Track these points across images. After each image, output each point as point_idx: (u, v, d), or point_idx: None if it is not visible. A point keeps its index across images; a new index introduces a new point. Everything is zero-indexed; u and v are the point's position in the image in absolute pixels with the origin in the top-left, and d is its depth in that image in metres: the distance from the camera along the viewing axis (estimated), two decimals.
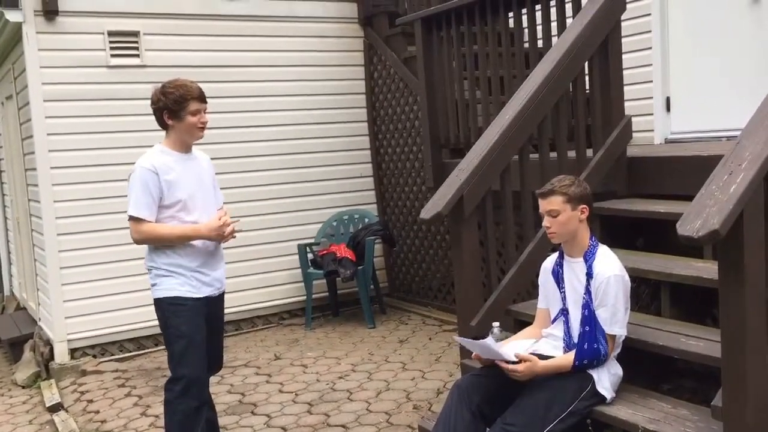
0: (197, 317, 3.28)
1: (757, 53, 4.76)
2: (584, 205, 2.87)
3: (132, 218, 3.23)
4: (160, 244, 3.27)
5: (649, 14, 5.26)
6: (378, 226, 6.40)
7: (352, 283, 6.19)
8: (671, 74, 5.34)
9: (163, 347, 5.85)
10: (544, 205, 2.88)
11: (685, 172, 3.65)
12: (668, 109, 5.37)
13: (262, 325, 6.37)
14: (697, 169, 3.62)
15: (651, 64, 5.33)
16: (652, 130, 5.33)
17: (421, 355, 5.12)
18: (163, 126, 3.32)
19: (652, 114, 5.31)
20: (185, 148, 3.35)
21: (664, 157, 3.82)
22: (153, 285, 3.32)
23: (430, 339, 5.53)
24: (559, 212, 2.83)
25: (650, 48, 5.32)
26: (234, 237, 3.37)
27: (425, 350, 5.22)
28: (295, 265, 6.35)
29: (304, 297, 6.28)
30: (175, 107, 3.23)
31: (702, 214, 2.18)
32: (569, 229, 2.86)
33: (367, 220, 6.58)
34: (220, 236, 3.32)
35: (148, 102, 3.33)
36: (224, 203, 3.52)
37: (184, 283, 3.27)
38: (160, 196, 3.22)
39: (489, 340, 2.86)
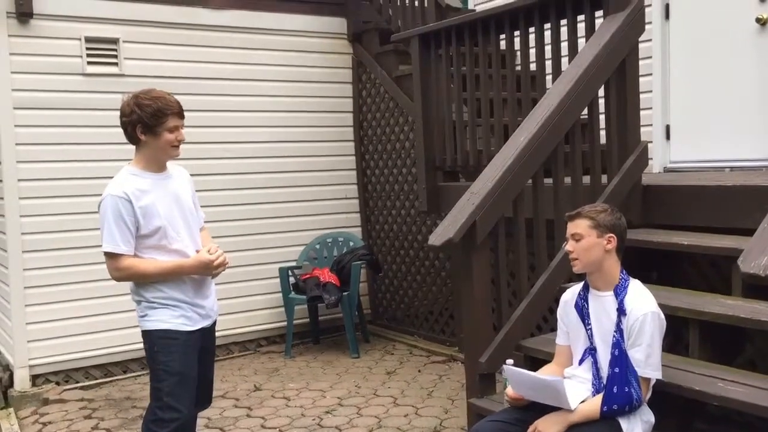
0: (191, 352, 2.97)
1: (760, 81, 4.66)
2: (612, 235, 2.67)
3: (108, 254, 2.89)
4: (145, 281, 2.95)
5: (651, 39, 5.15)
6: (364, 251, 6.13)
7: (334, 309, 5.89)
8: (671, 102, 5.23)
9: (133, 375, 5.62)
10: (570, 228, 2.73)
11: (706, 202, 3.48)
12: (668, 137, 5.25)
13: (238, 352, 6.03)
14: (718, 199, 3.47)
15: (651, 91, 5.21)
16: (651, 159, 5.18)
17: (412, 389, 4.84)
18: (134, 141, 2.96)
19: (651, 141, 5.17)
20: (159, 166, 3.01)
21: (682, 186, 3.65)
22: (142, 316, 2.98)
23: (419, 371, 5.25)
24: (583, 236, 2.67)
25: (651, 74, 5.20)
26: (224, 269, 3.03)
27: (415, 383, 4.94)
28: (275, 289, 6.03)
29: (283, 323, 5.97)
30: (152, 122, 2.88)
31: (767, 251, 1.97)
32: (591, 257, 2.66)
33: (351, 243, 6.30)
34: (209, 272, 3.02)
35: None
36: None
37: (180, 315, 2.95)
38: (136, 226, 2.88)
39: (555, 380, 2.58)
